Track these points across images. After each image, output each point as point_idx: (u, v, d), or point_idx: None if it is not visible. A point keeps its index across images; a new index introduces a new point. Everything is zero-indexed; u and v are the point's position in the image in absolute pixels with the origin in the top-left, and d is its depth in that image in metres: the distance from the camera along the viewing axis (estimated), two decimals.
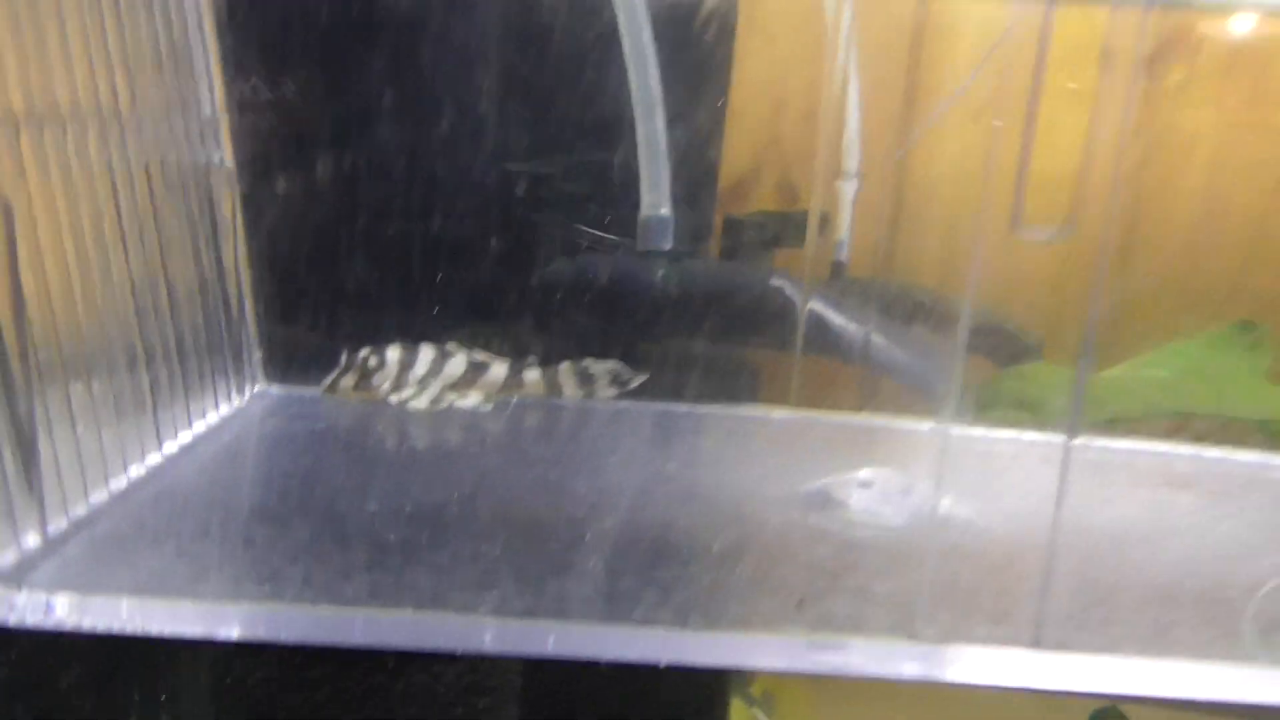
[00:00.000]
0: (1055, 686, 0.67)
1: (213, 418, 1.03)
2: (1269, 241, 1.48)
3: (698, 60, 1.32)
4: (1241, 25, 1.44)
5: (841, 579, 0.77)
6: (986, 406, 1.41)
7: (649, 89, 1.26)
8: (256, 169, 1.14)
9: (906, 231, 1.43)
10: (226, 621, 0.68)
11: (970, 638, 0.69)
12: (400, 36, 1.18)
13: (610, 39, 1.24)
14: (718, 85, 1.36)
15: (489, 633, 0.68)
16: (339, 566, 0.74)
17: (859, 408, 1.24)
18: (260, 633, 0.68)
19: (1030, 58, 0.94)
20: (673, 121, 1.27)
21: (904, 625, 0.70)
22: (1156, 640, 0.71)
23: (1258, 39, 1.43)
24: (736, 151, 1.44)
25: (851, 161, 1.39)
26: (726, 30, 1.35)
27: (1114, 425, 1.29)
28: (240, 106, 1.12)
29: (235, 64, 1.12)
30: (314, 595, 0.70)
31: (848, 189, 1.39)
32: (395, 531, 0.80)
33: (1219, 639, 0.72)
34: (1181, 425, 1.31)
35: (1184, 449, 1.12)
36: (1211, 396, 1.39)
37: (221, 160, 1.09)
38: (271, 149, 1.15)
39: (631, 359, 1.25)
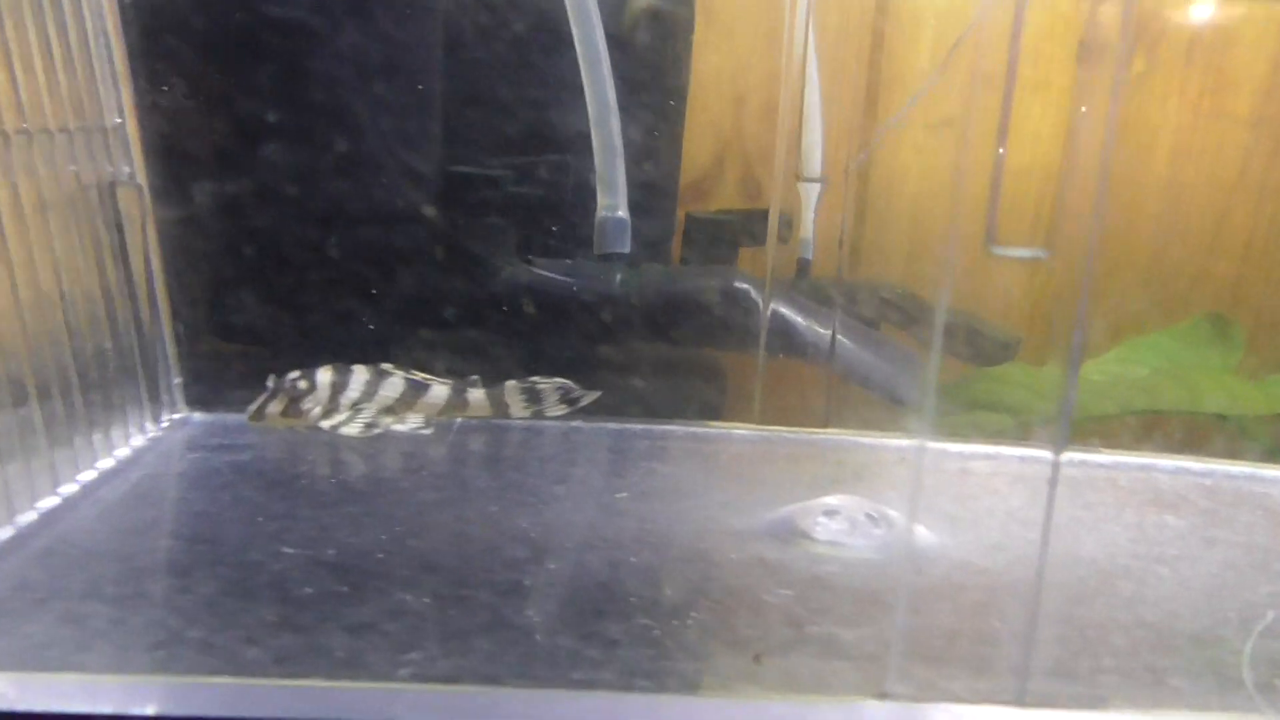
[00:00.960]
0: None
1: (123, 451, 0.95)
2: (1233, 232, 1.44)
3: (656, 58, 1.25)
4: (1200, 14, 1.40)
5: (805, 627, 0.70)
6: (960, 409, 1.35)
7: (603, 89, 1.19)
8: (173, 183, 1.05)
9: (878, 232, 1.37)
10: (108, 697, 0.60)
11: (947, 694, 0.62)
12: (335, 37, 1.10)
13: (564, 39, 1.17)
14: (677, 83, 1.29)
15: (405, 702, 0.61)
16: (245, 627, 0.66)
17: (825, 423, 1.18)
18: (148, 709, 0.60)
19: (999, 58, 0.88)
20: (631, 121, 1.20)
21: (874, 682, 0.63)
22: (1151, 691, 0.64)
23: (1216, 27, 1.39)
24: (698, 149, 1.38)
25: (814, 160, 1.33)
26: (684, 27, 1.28)
27: (1091, 434, 1.23)
28: (153, 117, 1.04)
29: (146, 72, 1.04)
30: (212, 664, 0.62)
31: (811, 187, 1.33)
32: (313, 583, 0.73)
33: (1217, 688, 0.65)
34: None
35: (1166, 462, 1.06)
36: (1185, 393, 1.35)
37: (131, 174, 1.01)
38: (190, 161, 1.07)
39: (588, 369, 1.18)
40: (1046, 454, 1.06)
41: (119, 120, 1.00)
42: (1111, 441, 1.18)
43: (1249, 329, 1.47)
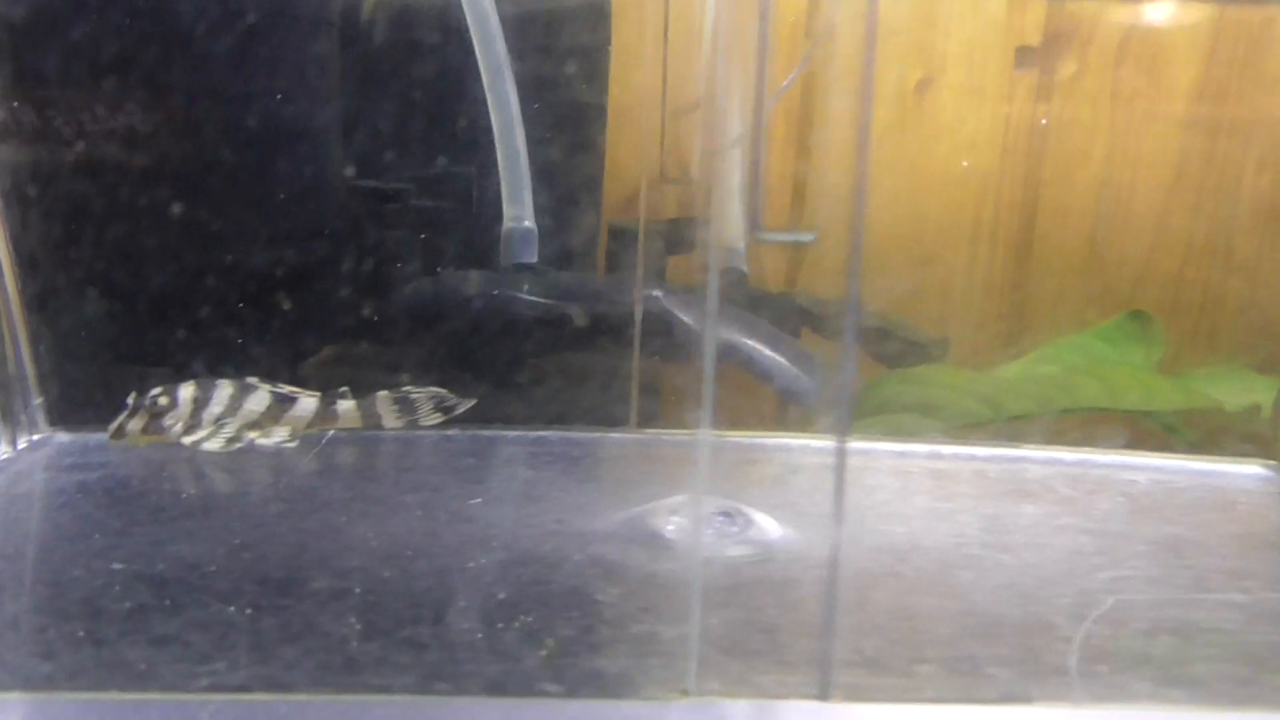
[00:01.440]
0: None
1: None
2: (1172, 232, 1.45)
3: (570, 68, 1.25)
4: (1131, 15, 1.41)
5: (627, 625, 0.69)
6: (873, 410, 1.35)
7: (505, 99, 1.19)
8: (23, 191, 1.04)
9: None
10: None
11: (751, 689, 0.61)
12: (213, 43, 1.09)
13: (466, 49, 1.17)
14: (594, 92, 1.29)
15: (204, 713, 0.59)
16: (44, 644, 0.65)
17: (708, 425, 1.17)
18: None
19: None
20: (548, 132, 1.20)
21: (682, 679, 0.62)
22: (964, 681, 0.63)
23: (1148, 29, 1.40)
24: (629, 159, 1.38)
25: (735, 167, 1.33)
26: (601, 34, 1.28)
27: (1011, 433, 1.24)
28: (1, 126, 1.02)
29: None
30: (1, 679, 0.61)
31: (736, 193, 1.33)
32: (131, 598, 0.71)
33: (1035, 676, 0.65)
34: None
35: (1039, 453, 1.06)
36: (1104, 391, 1.35)
37: None
38: (47, 170, 1.05)
39: (485, 379, 1.17)
40: (923, 448, 1.07)
41: None
42: (1028, 441, 1.18)
43: (1190, 327, 1.48)
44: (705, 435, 0.61)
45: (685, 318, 1.24)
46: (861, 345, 1.42)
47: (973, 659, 0.66)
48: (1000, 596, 0.75)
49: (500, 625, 0.69)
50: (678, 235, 1.37)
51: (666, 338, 1.22)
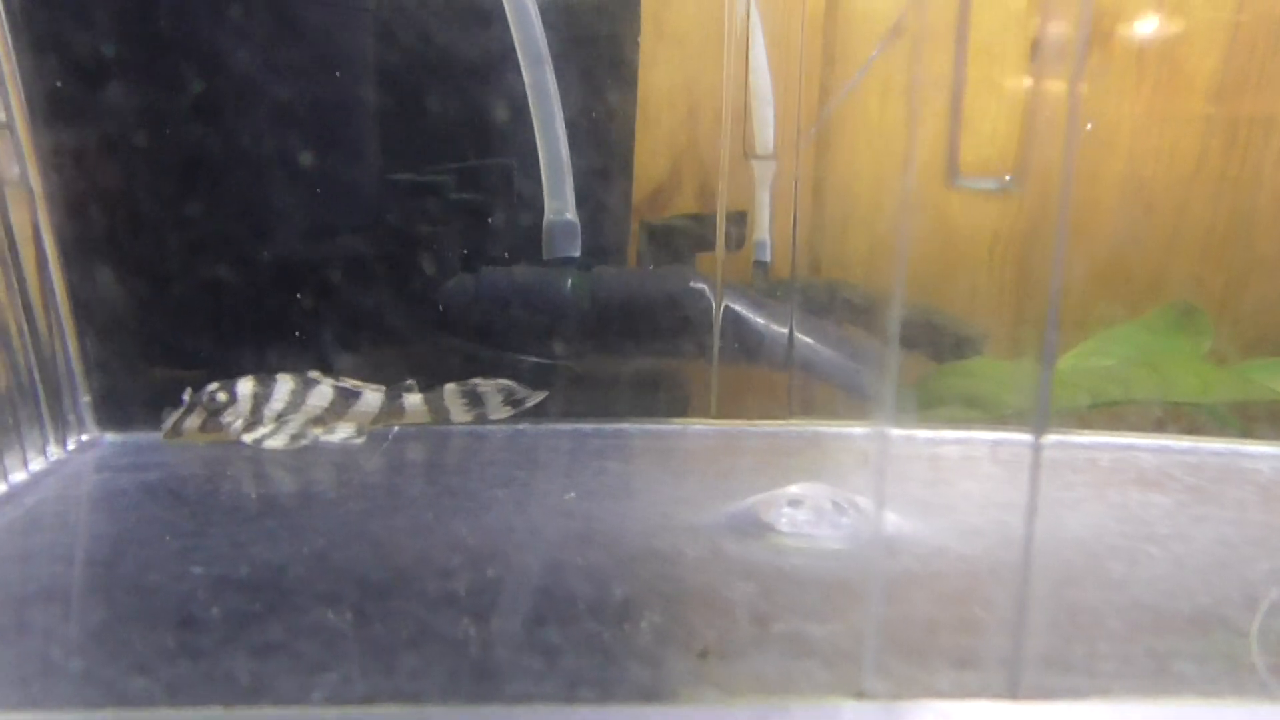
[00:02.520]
0: None
1: (19, 476, 0.87)
2: (1192, 226, 1.41)
3: (602, 66, 1.20)
4: (1151, 14, 1.38)
5: (771, 624, 0.63)
6: (928, 404, 1.30)
7: (546, 92, 1.14)
8: (71, 186, 0.97)
9: (832, 226, 1.33)
10: None
11: (932, 690, 0.55)
12: (251, 32, 1.03)
13: (506, 45, 1.12)
14: (625, 90, 1.24)
15: None
16: (135, 655, 0.58)
17: (787, 415, 1.11)
18: None
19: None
20: (578, 131, 1.15)
21: (849, 680, 0.56)
22: (1156, 678, 0.57)
23: (1167, 28, 1.37)
24: (652, 156, 1.33)
25: (766, 139, 1.28)
26: (631, 35, 1.23)
27: (1067, 426, 1.18)
28: (47, 116, 0.96)
29: (36, 68, 0.96)
30: (92, 697, 0.54)
31: (763, 190, 1.28)
32: (220, 604, 0.65)
33: (1227, 671, 0.59)
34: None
35: (1148, 441, 1.00)
36: (1158, 382, 1.31)
37: (23, 175, 0.93)
38: (90, 162, 0.99)
39: (540, 376, 1.11)
40: (1019, 437, 1.01)
41: (4, 118, 0.92)
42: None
43: (1213, 317, 1.44)
44: (885, 429, 0.55)
45: (744, 309, 1.19)
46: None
47: (1155, 654, 0.60)
48: (1161, 589, 0.69)
49: (627, 626, 0.63)
50: (706, 231, 1.32)
51: (737, 330, 1.17)
